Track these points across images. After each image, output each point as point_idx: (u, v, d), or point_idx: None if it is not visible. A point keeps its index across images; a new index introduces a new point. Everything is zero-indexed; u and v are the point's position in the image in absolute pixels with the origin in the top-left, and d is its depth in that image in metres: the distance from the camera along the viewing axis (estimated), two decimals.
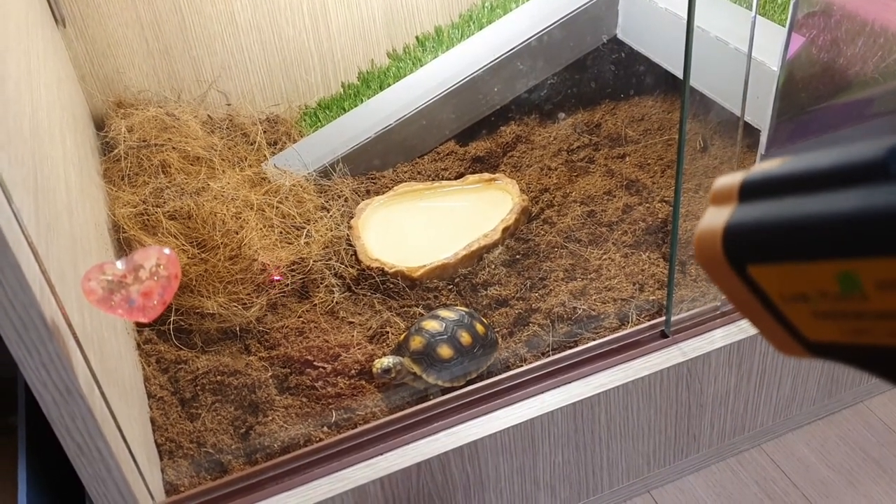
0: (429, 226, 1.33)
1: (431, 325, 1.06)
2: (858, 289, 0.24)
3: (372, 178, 1.40)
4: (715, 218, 0.29)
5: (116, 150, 1.27)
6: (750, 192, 0.28)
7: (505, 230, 1.24)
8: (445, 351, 1.04)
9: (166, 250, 0.74)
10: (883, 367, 0.26)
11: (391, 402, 1.03)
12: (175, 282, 0.74)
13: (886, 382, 0.26)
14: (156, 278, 0.72)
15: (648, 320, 1.10)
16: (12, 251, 0.62)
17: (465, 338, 1.05)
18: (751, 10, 1.06)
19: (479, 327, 1.07)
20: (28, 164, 0.75)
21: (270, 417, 1.01)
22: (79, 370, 0.71)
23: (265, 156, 1.37)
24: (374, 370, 1.04)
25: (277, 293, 1.16)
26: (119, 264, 0.72)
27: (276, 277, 1.04)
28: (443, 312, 1.09)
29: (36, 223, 0.71)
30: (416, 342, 1.05)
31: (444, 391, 1.04)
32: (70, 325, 0.72)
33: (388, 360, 1.03)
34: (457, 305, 1.14)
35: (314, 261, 1.20)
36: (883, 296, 0.24)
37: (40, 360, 0.68)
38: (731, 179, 0.29)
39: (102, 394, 0.77)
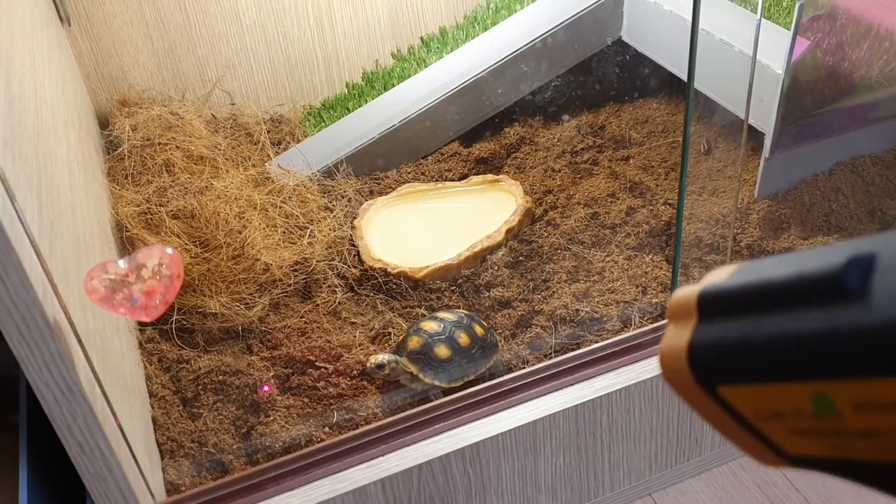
0: (432, 227, 1.33)
1: (430, 326, 1.07)
2: (833, 409, 0.23)
3: (375, 179, 1.40)
4: (677, 338, 0.28)
5: (120, 149, 1.27)
6: (708, 307, 0.27)
7: (508, 232, 1.24)
8: (443, 351, 1.04)
9: (169, 249, 0.74)
10: (869, 479, 0.25)
11: (393, 402, 1.03)
12: (178, 281, 0.74)
13: (875, 491, 0.25)
14: (158, 277, 0.72)
15: (651, 323, 1.09)
16: (15, 250, 0.62)
17: (462, 339, 1.05)
18: (755, 13, 1.06)
19: (478, 329, 1.07)
20: (32, 161, 0.75)
21: (272, 417, 1.01)
22: (80, 369, 0.71)
23: (269, 155, 1.37)
24: (368, 365, 1.04)
25: (280, 293, 1.16)
26: (122, 263, 0.72)
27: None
28: (442, 314, 1.10)
29: (39, 221, 0.71)
30: (414, 342, 1.05)
31: (445, 392, 1.04)
32: (72, 324, 0.72)
33: (382, 357, 1.04)
34: (458, 307, 1.14)
35: (317, 261, 1.20)
36: (859, 416, 0.23)
37: (42, 358, 0.68)
38: (686, 294, 0.28)
39: (104, 393, 0.77)
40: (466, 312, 1.11)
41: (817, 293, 0.23)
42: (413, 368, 1.04)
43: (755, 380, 0.25)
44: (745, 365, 0.25)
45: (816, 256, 0.24)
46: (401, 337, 1.09)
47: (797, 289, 0.24)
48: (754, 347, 0.25)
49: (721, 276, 0.27)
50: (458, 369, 1.05)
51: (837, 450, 0.24)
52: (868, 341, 0.21)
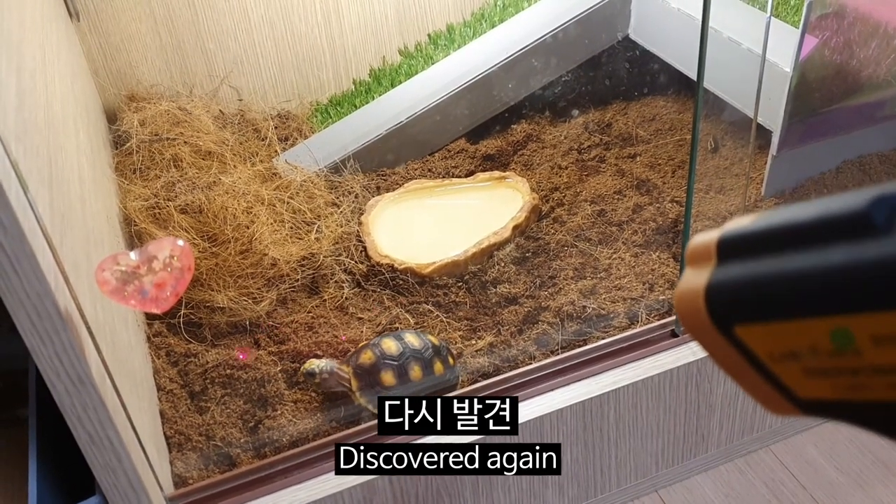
0: (439, 223, 1.33)
1: (389, 346, 1.01)
2: (852, 345, 0.23)
3: (382, 175, 1.40)
4: (694, 280, 0.28)
5: (129, 144, 1.27)
6: (728, 249, 0.27)
7: (515, 228, 1.24)
8: (388, 378, 0.99)
9: (180, 242, 0.74)
10: (881, 422, 0.25)
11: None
12: (188, 274, 0.74)
13: (884, 438, 0.25)
14: (169, 270, 0.72)
15: (658, 320, 1.09)
16: (28, 240, 0.63)
17: (414, 372, 1.00)
18: (763, 10, 1.06)
19: (438, 366, 1.01)
20: (43, 154, 0.76)
21: (279, 411, 1.01)
22: (91, 360, 0.71)
23: (276, 151, 1.37)
24: (301, 370, 1.00)
25: (287, 288, 1.16)
26: (133, 255, 0.72)
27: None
28: (410, 337, 1.03)
29: (50, 213, 0.71)
30: (366, 357, 1.00)
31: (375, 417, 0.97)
32: (83, 316, 0.73)
33: (315, 364, 0.99)
34: (430, 335, 1.06)
35: (324, 256, 1.20)
36: (879, 351, 0.23)
37: (54, 349, 0.68)
38: (706, 238, 0.28)
39: (114, 384, 0.77)
40: (437, 343, 1.04)
41: (843, 230, 0.23)
42: (354, 384, 1.00)
43: (774, 317, 0.25)
44: (764, 302, 0.25)
45: (840, 199, 0.24)
46: (362, 343, 1.05)
47: (822, 226, 0.24)
48: (775, 284, 0.25)
49: (741, 222, 0.27)
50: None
51: (852, 390, 0.24)
52: (894, 272, 0.22)
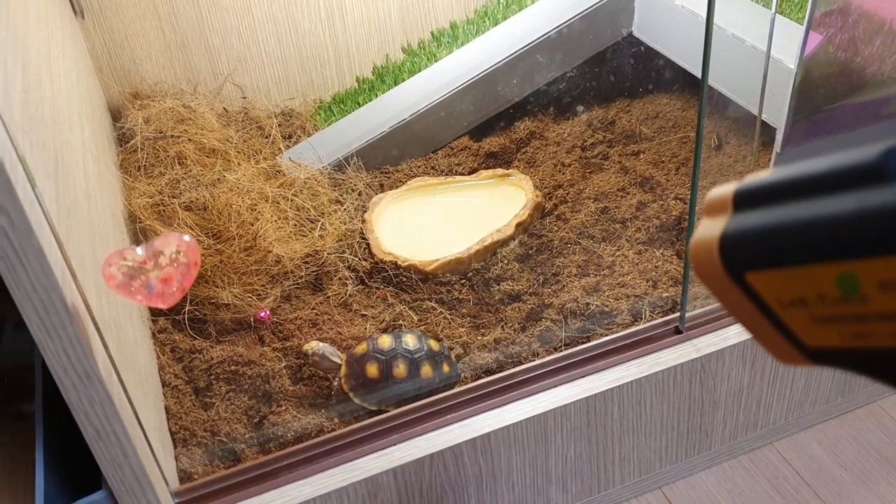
0: (442, 220, 1.33)
1: (383, 341, 1.04)
2: (858, 291, 0.24)
3: (386, 173, 1.40)
4: (710, 229, 0.29)
5: (133, 141, 1.28)
6: (744, 200, 0.28)
7: (518, 225, 1.24)
8: (372, 370, 1.01)
9: (186, 237, 0.74)
10: (884, 370, 0.26)
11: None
12: (194, 269, 0.74)
13: (888, 386, 0.26)
14: (175, 265, 0.73)
15: (662, 316, 1.10)
16: (35, 234, 0.63)
17: (398, 370, 1.02)
18: (767, 7, 1.06)
19: (427, 369, 1.02)
20: (49, 149, 0.76)
21: (284, 407, 1.01)
22: (98, 355, 0.72)
23: (280, 149, 1.38)
24: (303, 348, 1.05)
25: (291, 285, 1.17)
26: (139, 250, 0.73)
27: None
28: (409, 337, 1.05)
29: (57, 208, 0.71)
30: (361, 347, 1.04)
31: (371, 413, 1.02)
32: (90, 311, 0.73)
33: (313, 345, 1.04)
34: (433, 339, 1.07)
35: (328, 253, 1.20)
36: (884, 297, 0.23)
37: (61, 343, 0.68)
38: (723, 190, 0.29)
39: (120, 380, 0.77)
40: (439, 348, 1.05)
41: (855, 179, 0.24)
42: (343, 370, 1.03)
43: (784, 263, 0.26)
44: (775, 249, 0.26)
45: (853, 151, 0.25)
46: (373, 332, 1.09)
47: (835, 176, 0.25)
48: (786, 231, 0.26)
49: (758, 175, 0.28)
50: (374, 395, 1.02)
51: (858, 338, 0.25)
52: None
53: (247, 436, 0.98)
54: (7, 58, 0.70)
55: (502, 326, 1.11)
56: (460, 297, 1.17)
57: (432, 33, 1.58)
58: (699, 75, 0.97)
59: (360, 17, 1.51)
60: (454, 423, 0.99)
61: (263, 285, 1.15)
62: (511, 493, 1.05)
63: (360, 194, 1.33)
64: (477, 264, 1.21)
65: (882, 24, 1.14)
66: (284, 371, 1.05)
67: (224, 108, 1.43)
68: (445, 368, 1.04)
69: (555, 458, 1.04)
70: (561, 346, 1.08)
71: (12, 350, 1.21)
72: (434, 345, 1.05)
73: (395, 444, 0.97)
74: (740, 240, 0.28)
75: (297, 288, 1.17)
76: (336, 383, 1.04)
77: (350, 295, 1.17)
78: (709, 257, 0.29)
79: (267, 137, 1.39)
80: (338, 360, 1.04)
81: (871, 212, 0.23)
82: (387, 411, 1.00)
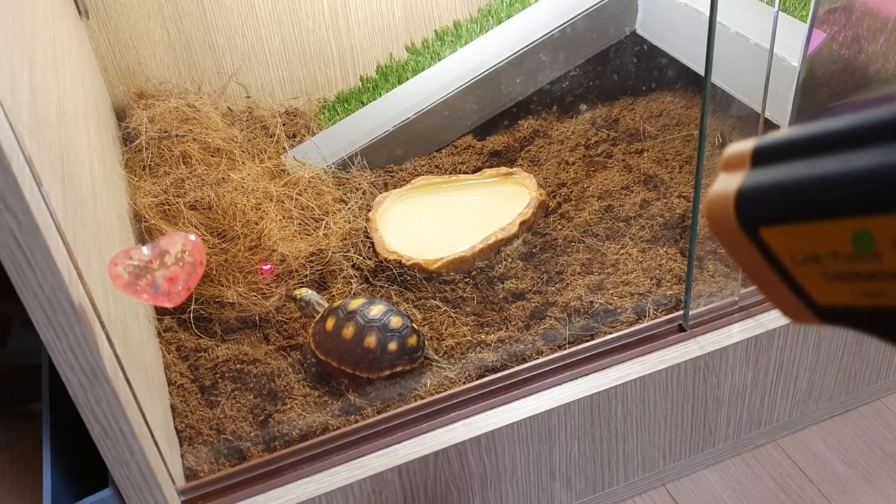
0: (446, 219, 1.34)
1: (354, 302, 1.06)
2: (872, 248, 0.24)
3: (390, 172, 1.41)
4: (727, 183, 0.29)
5: (138, 141, 1.28)
6: (762, 156, 0.28)
7: (522, 224, 1.25)
8: (330, 324, 1.05)
9: (192, 237, 0.75)
10: (893, 330, 0.26)
11: (410, 390, 1.04)
12: (200, 268, 0.75)
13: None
14: (181, 264, 0.73)
15: (666, 314, 1.10)
16: (42, 234, 0.63)
17: (369, 340, 1.02)
18: (770, 5, 1.06)
19: (370, 340, 1.02)
20: (55, 150, 0.76)
21: (289, 405, 1.01)
22: (104, 354, 0.72)
23: (284, 148, 1.38)
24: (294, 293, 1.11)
25: (296, 284, 1.17)
26: (145, 250, 0.73)
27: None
28: (378, 307, 1.05)
29: (63, 208, 0.72)
30: (338, 303, 1.07)
31: (316, 360, 1.05)
32: (96, 310, 0.73)
33: (302, 291, 1.10)
34: (399, 316, 1.05)
35: (332, 252, 1.21)
36: None
37: (67, 342, 0.69)
38: (742, 146, 0.29)
39: (126, 378, 0.78)
40: (397, 325, 1.03)
41: (875, 135, 0.24)
42: (317, 317, 1.08)
43: (798, 219, 0.26)
44: (791, 203, 0.26)
45: (874, 110, 0.25)
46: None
47: (856, 132, 0.25)
48: (804, 186, 0.26)
49: (777, 133, 0.28)
50: (322, 348, 1.04)
51: (869, 296, 0.25)
52: None
53: (252, 434, 0.99)
54: (14, 59, 0.70)
55: (506, 325, 1.12)
56: (464, 295, 1.17)
57: (436, 32, 1.59)
58: (703, 73, 0.97)
59: (363, 17, 1.52)
60: (458, 421, 0.99)
61: (268, 284, 1.16)
62: (515, 491, 1.05)
63: (364, 193, 1.33)
64: (481, 263, 1.21)
65: (886, 22, 1.14)
66: (289, 369, 1.06)
67: (228, 108, 1.44)
68: (392, 347, 1.02)
69: (559, 456, 1.04)
70: (565, 345, 1.08)
71: (19, 350, 1.22)
72: (396, 321, 1.04)
73: (399, 442, 0.97)
74: (757, 195, 0.28)
75: (302, 287, 1.18)
76: (312, 327, 1.08)
77: (354, 293, 1.17)
78: (724, 212, 0.29)
79: (271, 137, 1.39)
80: (319, 309, 1.09)
81: (888, 168, 0.23)
82: (344, 369, 1.03)
